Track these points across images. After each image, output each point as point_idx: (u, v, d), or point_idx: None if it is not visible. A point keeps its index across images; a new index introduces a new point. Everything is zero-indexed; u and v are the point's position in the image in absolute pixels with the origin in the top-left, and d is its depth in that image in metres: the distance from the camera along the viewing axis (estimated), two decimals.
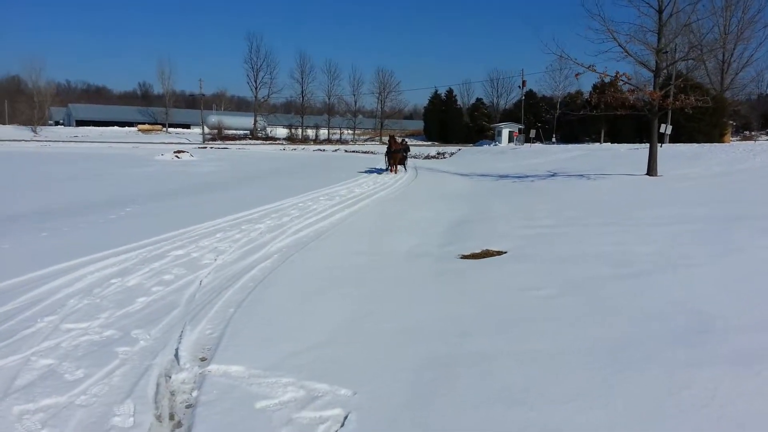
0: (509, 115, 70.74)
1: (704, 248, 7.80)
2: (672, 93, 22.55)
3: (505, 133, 60.58)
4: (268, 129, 78.87)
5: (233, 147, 59.37)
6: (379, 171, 27.65)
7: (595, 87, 39.67)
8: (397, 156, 27.44)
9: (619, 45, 19.56)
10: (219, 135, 73.46)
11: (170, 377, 3.94)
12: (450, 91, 78.21)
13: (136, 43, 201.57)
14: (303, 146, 63.34)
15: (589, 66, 20.99)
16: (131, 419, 3.34)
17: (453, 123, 74.59)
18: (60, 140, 63.13)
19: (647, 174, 19.60)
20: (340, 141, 74.10)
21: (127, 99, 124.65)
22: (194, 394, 3.70)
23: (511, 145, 55.13)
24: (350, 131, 78.10)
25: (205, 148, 56.77)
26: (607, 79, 20.50)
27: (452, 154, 48.57)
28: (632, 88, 20.04)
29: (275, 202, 13.07)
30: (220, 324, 4.90)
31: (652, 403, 3.55)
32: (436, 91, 79.40)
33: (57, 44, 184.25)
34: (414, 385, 3.85)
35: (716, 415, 3.38)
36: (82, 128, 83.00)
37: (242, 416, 3.40)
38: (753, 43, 51.13)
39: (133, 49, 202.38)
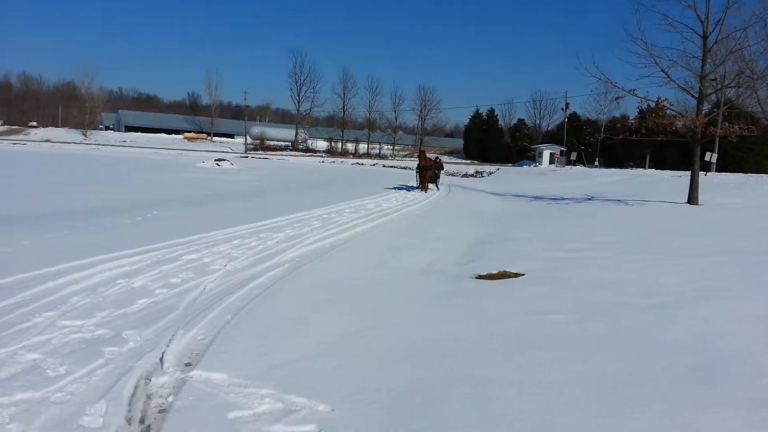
0: (551, 137, 69.88)
1: (735, 282, 7.39)
2: (719, 120, 21.89)
3: (546, 154, 59.80)
4: (309, 141, 79.83)
5: (273, 157, 60.22)
6: (409, 188, 26.22)
7: (640, 111, 38.86)
8: (427, 173, 25.31)
9: (662, 70, 19.08)
10: (261, 145, 74.72)
11: (150, 380, 3.86)
12: (491, 111, 77.88)
13: (187, 54, 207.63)
14: (342, 159, 63.79)
15: (630, 90, 20.54)
16: (101, 420, 3.26)
17: (493, 142, 74.09)
18: (108, 144, 65.25)
19: (688, 202, 18.94)
20: (379, 156, 74.37)
21: (176, 108, 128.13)
22: (170, 399, 3.61)
23: (552, 166, 54.32)
24: (389, 146, 78.32)
25: (246, 157, 57.74)
26: (647, 104, 19.96)
27: (491, 173, 48.17)
28: (674, 114, 19.48)
29: (300, 213, 13.06)
30: (214, 330, 4.81)
31: None
32: (478, 110, 79.22)
33: (111, 53, 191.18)
34: (395, 407, 3.67)
35: None
36: (130, 134, 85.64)
37: (212, 425, 3.29)
38: None
39: (184, 60, 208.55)
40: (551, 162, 58.23)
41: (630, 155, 59.96)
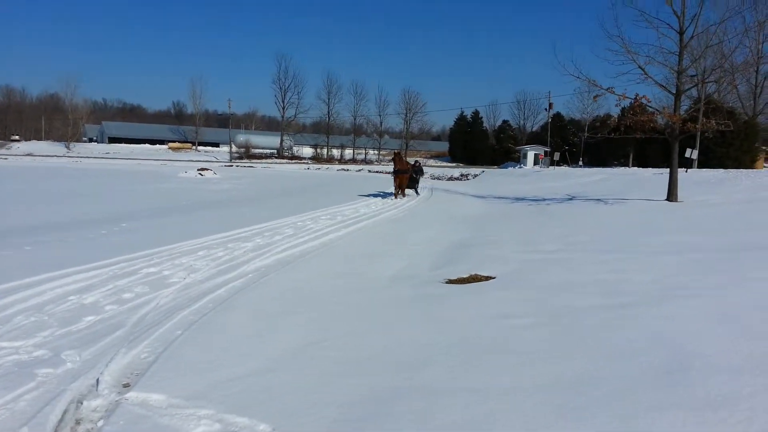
0: (536, 138, 70.17)
1: (706, 279, 7.32)
2: (698, 116, 21.92)
3: (530, 155, 60.00)
4: (295, 148, 79.63)
5: (259, 165, 59.96)
6: (390, 194, 24.07)
7: (622, 110, 38.97)
8: (404, 178, 23.35)
9: (639, 67, 19.09)
10: (246, 154, 74.45)
11: (82, 404, 3.69)
12: (476, 113, 78.09)
13: (172, 63, 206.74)
14: (327, 166, 63.65)
15: (608, 88, 20.55)
16: None
17: (478, 145, 74.30)
18: (91, 156, 64.74)
19: (667, 200, 18.95)
20: (365, 161, 74.28)
21: (161, 118, 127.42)
22: (99, 423, 3.44)
23: (536, 167, 54.49)
24: (375, 151, 78.30)
25: (231, 166, 57.43)
26: (625, 102, 19.99)
27: (475, 176, 48.18)
28: (652, 110, 19.50)
29: (274, 221, 12.90)
30: (160, 347, 4.65)
31: None
32: (462, 112, 79.44)
33: (95, 64, 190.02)
34: (341, 423, 3.53)
35: None
36: (113, 145, 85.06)
37: None
38: None
39: (169, 69, 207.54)
40: (536, 163, 58.45)
41: (614, 154, 60.27)
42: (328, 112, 79.35)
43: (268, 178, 38.98)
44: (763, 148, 50.05)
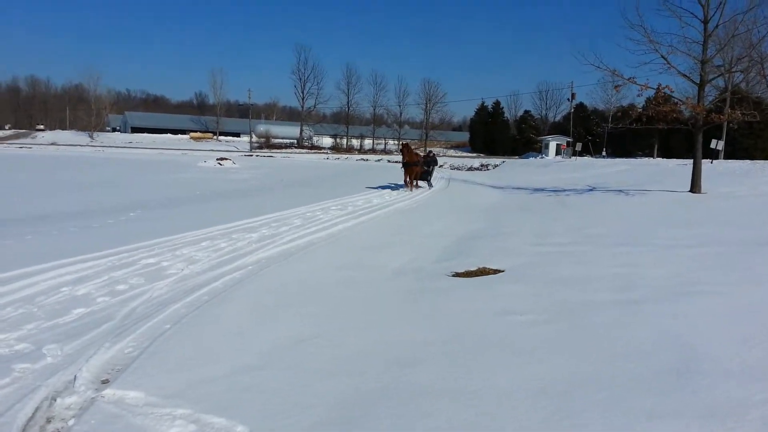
0: (558, 128, 69.19)
1: (723, 275, 7.00)
2: (727, 106, 21.26)
3: (552, 145, 59.16)
4: (315, 138, 79.63)
5: (278, 155, 60.07)
6: (396, 187, 22.52)
7: (647, 100, 37.92)
8: (414, 170, 21.89)
9: (662, 56, 18.55)
10: (266, 143, 74.65)
11: (56, 401, 3.56)
12: (497, 103, 77.22)
13: (195, 54, 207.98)
14: (347, 156, 63.48)
15: (630, 78, 20.05)
16: None
17: (499, 135, 73.47)
18: (114, 146, 65.45)
19: (690, 191, 18.44)
20: (384, 151, 73.99)
21: (183, 108, 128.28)
22: (71, 422, 3.31)
23: (558, 158, 53.70)
24: (395, 141, 77.94)
25: (251, 156, 57.61)
26: (648, 92, 19.44)
27: (496, 166, 47.65)
28: (675, 101, 18.96)
29: (284, 211, 12.75)
30: (146, 342, 4.51)
31: None
32: (483, 102, 78.55)
33: (119, 55, 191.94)
34: (320, 427, 3.35)
35: None
36: (136, 135, 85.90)
37: None
38: None
39: (192, 59, 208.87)
40: (557, 153, 57.62)
41: (638, 145, 59.16)
42: (348, 103, 79.23)
43: (286, 167, 38.97)
44: None
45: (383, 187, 22.35)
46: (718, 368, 4.17)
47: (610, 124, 57.70)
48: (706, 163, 27.05)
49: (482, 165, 49.26)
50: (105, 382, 3.89)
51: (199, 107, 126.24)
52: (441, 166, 49.21)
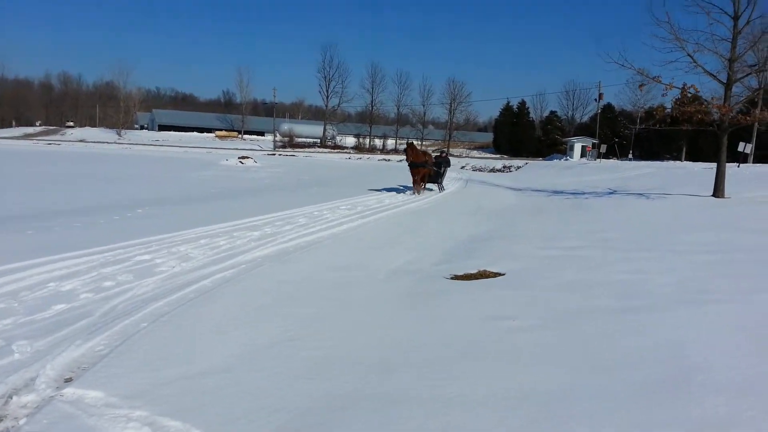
0: (584, 129, 68.14)
1: (732, 283, 6.69)
2: (758, 107, 20.59)
3: (577, 147, 58.23)
4: (338, 138, 79.72)
5: (300, 154, 60.30)
6: (409, 188, 20.81)
7: (676, 101, 36.92)
8: (421, 171, 20.14)
9: (688, 54, 18.04)
10: (290, 143, 74.98)
11: (12, 399, 3.49)
12: (522, 103, 76.35)
13: (223, 52, 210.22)
14: (369, 156, 63.41)
15: (655, 77, 19.57)
16: None
17: (524, 136, 72.66)
18: (141, 143, 66.38)
19: (713, 195, 17.91)
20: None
21: (211, 106, 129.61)
22: (22, 422, 3.22)
23: (583, 160, 52.87)
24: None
25: (274, 154, 57.91)
26: (673, 91, 18.93)
27: (519, 167, 47.11)
28: (704, 101, 18.41)
29: (292, 209, 12.69)
30: (119, 340, 4.43)
31: None
32: (508, 102, 77.72)
33: (150, 53, 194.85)
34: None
35: None
36: (163, 133, 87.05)
37: None
38: None
39: (220, 58, 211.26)
40: (582, 155, 56.67)
41: (666, 147, 57.96)
42: (371, 102, 79.05)
43: (307, 167, 39.04)
44: None
45: (398, 188, 22.18)
46: (712, 381, 3.94)
47: (638, 125, 56.69)
48: (732, 167, 26.35)
49: (505, 166, 48.76)
50: (68, 380, 3.81)
51: (226, 106, 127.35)
52: (463, 167, 48.95)
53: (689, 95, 18.41)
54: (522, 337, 4.97)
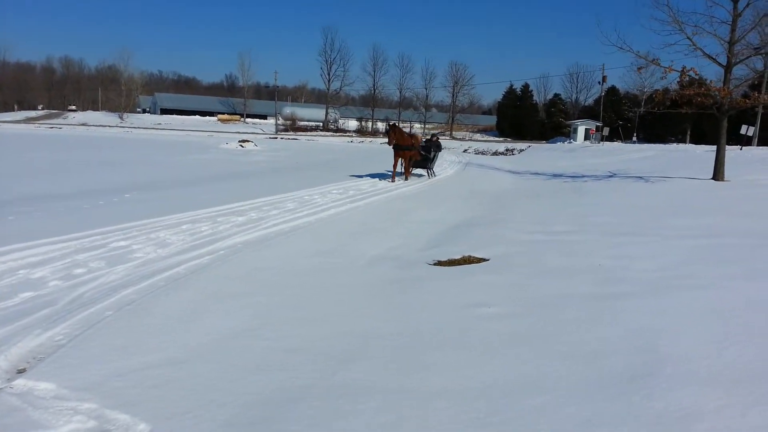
0: (588, 112, 67.64)
1: (717, 268, 6.58)
2: (763, 88, 20.30)
3: (580, 130, 57.81)
4: (341, 121, 79.33)
5: (303, 138, 60.02)
6: (399, 174, 18.45)
7: (681, 85, 36.31)
8: (405, 155, 18.05)
9: (687, 37, 17.76)
10: (292, 126, 74.61)
11: None
12: (526, 86, 75.83)
13: (226, 35, 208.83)
14: (371, 139, 63.08)
15: (653, 60, 19.32)
16: None
17: (527, 119, 72.18)
18: (142, 127, 66.19)
19: (713, 179, 17.72)
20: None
21: (214, 90, 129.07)
22: None
23: (586, 143, 52.49)
24: (420, 125, 77.22)
25: (276, 138, 57.70)
26: (672, 75, 18.66)
27: (521, 151, 46.83)
28: (701, 84, 18.16)
29: (282, 194, 12.57)
30: (80, 329, 4.35)
31: None
32: (511, 85, 77.14)
33: (152, 36, 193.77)
34: (226, 428, 3.14)
35: None
36: (165, 116, 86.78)
37: None
38: None
39: (223, 41, 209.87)
40: (586, 138, 56.29)
41: (670, 130, 57.45)
42: (374, 85, 78.55)
43: (307, 150, 38.86)
44: None
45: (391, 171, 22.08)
46: (681, 371, 3.85)
47: (642, 108, 56.15)
48: (734, 150, 26.07)
49: (507, 150, 48.50)
50: (21, 371, 3.74)
51: (229, 89, 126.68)
52: (465, 150, 48.60)
53: (687, 78, 18.18)
54: (496, 325, 4.87)
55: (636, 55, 18.99)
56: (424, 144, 20.95)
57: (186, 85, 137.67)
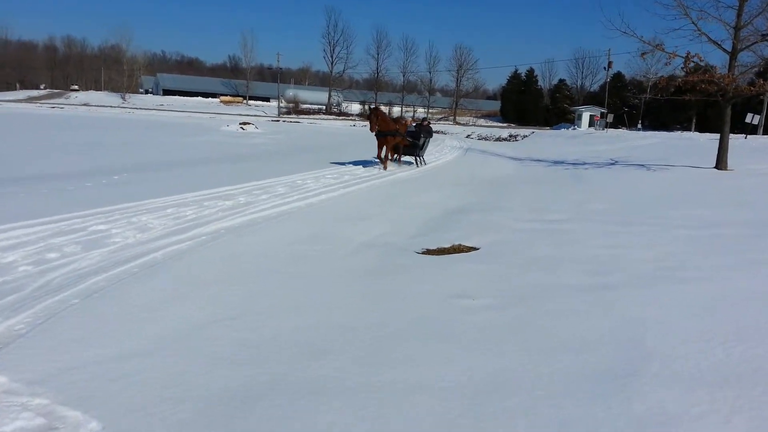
0: (593, 98, 66.96)
1: (713, 259, 6.39)
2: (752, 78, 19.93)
3: (585, 116, 57.28)
4: (344, 104, 78.84)
5: (305, 121, 59.64)
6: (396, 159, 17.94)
7: (686, 71, 35.63)
8: (390, 141, 16.22)
9: (692, 22, 17.40)
10: (295, 109, 74.17)
11: None
12: (531, 71, 75.07)
13: (230, 15, 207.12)
14: None
15: (657, 45, 18.93)
16: None
17: (532, 104, 71.57)
18: (144, 108, 65.87)
19: (715, 167, 17.45)
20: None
21: (217, 71, 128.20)
22: None
23: (590, 129, 52.03)
24: (423, 109, 76.71)
25: (278, 121, 57.31)
26: (676, 61, 18.32)
27: (525, 137, 46.43)
28: (703, 69, 17.79)
29: (275, 177, 12.37)
30: (41, 318, 4.18)
31: None
32: (516, 70, 76.33)
33: (156, 15, 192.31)
34: (180, 427, 2.97)
35: None
36: (167, 97, 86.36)
37: None
38: None
39: (227, 21, 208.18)
40: (590, 125, 55.79)
41: (675, 117, 56.90)
42: (377, 68, 77.98)
43: (308, 133, 38.58)
44: None
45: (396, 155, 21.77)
46: (665, 370, 3.67)
47: (647, 94, 55.48)
48: (739, 138, 25.71)
49: (511, 135, 48.07)
50: None
51: (232, 71, 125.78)
52: (469, 136, 48.25)
53: (692, 64, 17.83)
54: (479, 317, 4.69)
55: (640, 40, 18.60)
56: (413, 129, 19.03)
57: (189, 65, 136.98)
